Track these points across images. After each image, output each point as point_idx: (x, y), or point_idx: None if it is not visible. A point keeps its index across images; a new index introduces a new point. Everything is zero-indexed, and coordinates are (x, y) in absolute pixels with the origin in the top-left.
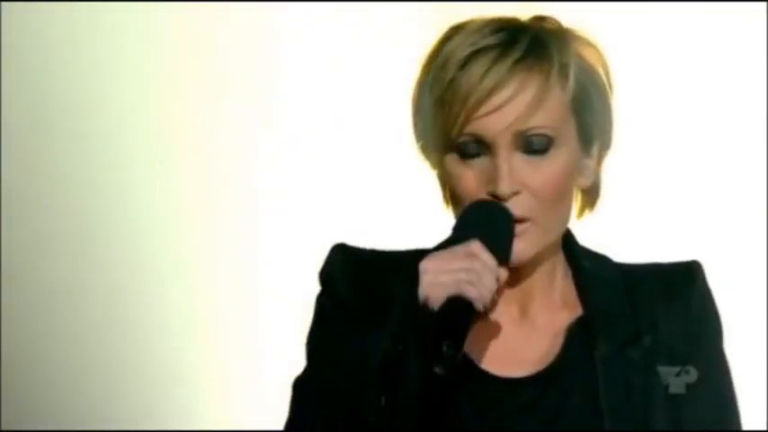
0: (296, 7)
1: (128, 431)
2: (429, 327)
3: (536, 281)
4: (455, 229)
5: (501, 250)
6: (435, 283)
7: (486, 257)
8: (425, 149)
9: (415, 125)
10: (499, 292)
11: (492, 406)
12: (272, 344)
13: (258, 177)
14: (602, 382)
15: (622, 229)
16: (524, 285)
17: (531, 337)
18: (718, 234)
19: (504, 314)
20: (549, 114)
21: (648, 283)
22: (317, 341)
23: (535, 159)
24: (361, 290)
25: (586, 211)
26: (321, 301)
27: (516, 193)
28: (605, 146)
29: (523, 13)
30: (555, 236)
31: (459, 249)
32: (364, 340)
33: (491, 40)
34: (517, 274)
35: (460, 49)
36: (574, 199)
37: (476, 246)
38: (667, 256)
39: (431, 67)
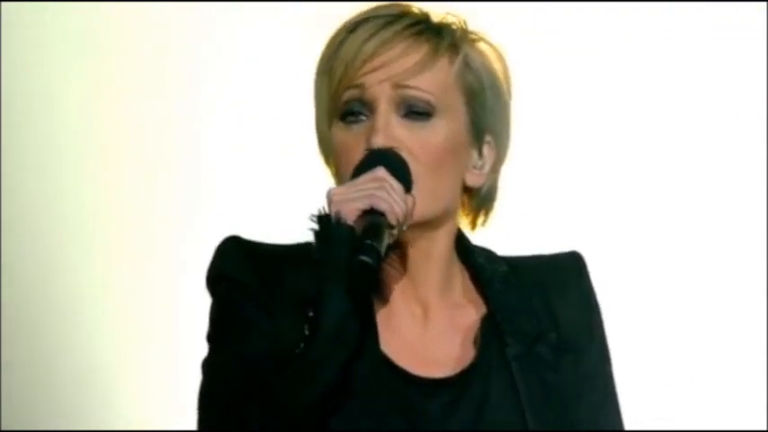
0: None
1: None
2: (347, 239)
3: (433, 278)
4: (353, 176)
5: (403, 179)
6: (346, 200)
7: (393, 181)
8: (319, 133)
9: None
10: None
11: (413, 407)
12: (187, 342)
13: (172, 174)
14: (519, 381)
15: (616, 232)
16: (423, 284)
17: (439, 336)
18: (718, 235)
19: (407, 314)
20: (434, 82)
21: (539, 275)
22: (229, 324)
23: (416, 124)
24: (261, 277)
25: (479, 221)
26: (222, 290)
27: (393, 149)
28: (501, 152)
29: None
30: (440, 206)
31: (364, 176)
32: (275, 317)
33: (386, 11)
34: (415, 273)
35: (354, 17)
36: (465, 203)
37: (381, 170)
38: (669, 257)
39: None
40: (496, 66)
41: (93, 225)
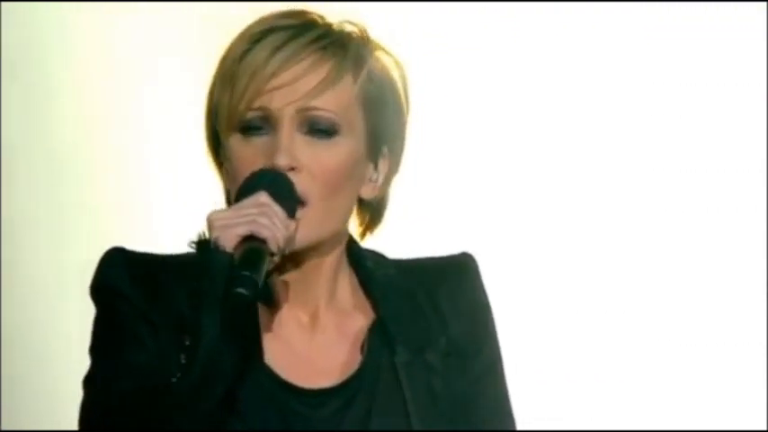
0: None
1: None
2: (224, 268)
3: (322, 286)
4: (237, 197)
5: (287, 202)
6: (227, 225)
7: (275, 206)
8: (210, 142)
9: (206, 117)
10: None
11: (298, 418)
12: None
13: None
14: (406, 388)
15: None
16: (310, 292)
17: (326, 345)
18: (720, 235)
19: (294, 324)
20: (338, 100)
21: (429, 278)
22: (112, 339)
23: (318, 142)
24: (146, 289)
25: (368, 231)
26: (106, 303)
27: (294, 170)
28: (394, 164)
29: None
30: (334, 227)
31: (246, 201)
32: (159, 329)
33: (288, 22)
34: (303, 280)
35: (256, 26)
36: (357, 213)
37: (263, 196)
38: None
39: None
40: (395, 75)
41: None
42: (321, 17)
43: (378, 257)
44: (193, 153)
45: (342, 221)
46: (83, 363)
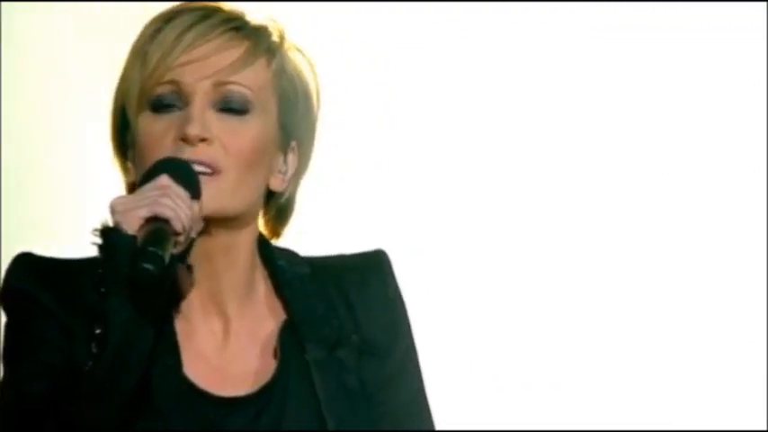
0: None
1: None
2: (127, 249)
3: (238, 289)
4: (140, 184)
5: (190, 185)
6: (128, 209)
7: (177, 188)
8: (116, 130)
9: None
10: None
11: (214, 427)
12: None
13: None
14: (319, 387)
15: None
16: (226, 295)
17: (240, 351)
18: (721, 236)
19: (207, 332)
20: (252, 79)
21: (342, 275)
22: (24, 343)
23: (231, 119)
24: (57, 293)
25: (278, 230)
26: (16, 307)
27: (206, 141)
28: (302, 163)
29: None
30: (244, 201)
31: (148, 185)
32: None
33: (201, 4)
34: (218, 282)
35: (167, 11)
36: (264, 210)
37: (164, 178)
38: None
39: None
40: (309, 77)
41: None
42: (233, 9)
43: (290, 255)
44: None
45: (251, 200)
46: None
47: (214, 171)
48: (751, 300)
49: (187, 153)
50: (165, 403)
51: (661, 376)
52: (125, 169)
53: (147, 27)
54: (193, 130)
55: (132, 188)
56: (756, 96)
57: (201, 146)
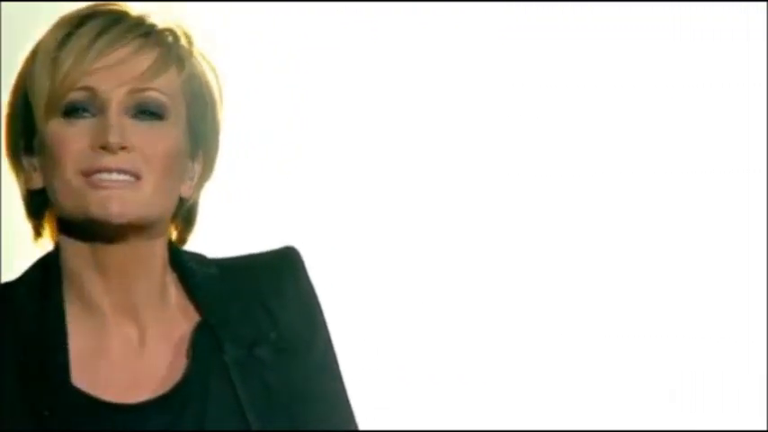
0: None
1: None
2: None
3: (152, 295)
4: None
5: None
6: None
7: None
8: (13, 140)
9: (11, 117)
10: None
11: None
12: None
13: None
14: (239, 386)
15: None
16: (141, 301)
17: (155, 355)
18: (722, 236)
19: (121, 339)
20: (167, 85)
21: (253, 275)
22: None
23: (146, 125)
24: None
25: (184, 236)
26: None
27: (126, 149)
28: (207, 170)
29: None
30: (162, 208)
31: None
32: None
33: (108, 8)
34: (134, 289)
35: (73, 15)
36: (173, 218)
37: None
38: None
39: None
40: (215, 85)
41: None
42: (141, 13)
43: (199, 257)
44: None
45: (168, 206)
46: None
47: (136, 179)
48: (751, 300)
49: (108, 161)
50: (62, 420)
51: (661, 376)
52: (24, 175)
53: (53, 31)
54: (114, 138)
55: (31, 195)
56: (756, 96)
57: (122, 153)
